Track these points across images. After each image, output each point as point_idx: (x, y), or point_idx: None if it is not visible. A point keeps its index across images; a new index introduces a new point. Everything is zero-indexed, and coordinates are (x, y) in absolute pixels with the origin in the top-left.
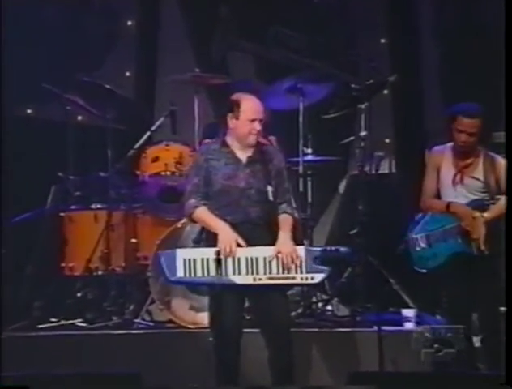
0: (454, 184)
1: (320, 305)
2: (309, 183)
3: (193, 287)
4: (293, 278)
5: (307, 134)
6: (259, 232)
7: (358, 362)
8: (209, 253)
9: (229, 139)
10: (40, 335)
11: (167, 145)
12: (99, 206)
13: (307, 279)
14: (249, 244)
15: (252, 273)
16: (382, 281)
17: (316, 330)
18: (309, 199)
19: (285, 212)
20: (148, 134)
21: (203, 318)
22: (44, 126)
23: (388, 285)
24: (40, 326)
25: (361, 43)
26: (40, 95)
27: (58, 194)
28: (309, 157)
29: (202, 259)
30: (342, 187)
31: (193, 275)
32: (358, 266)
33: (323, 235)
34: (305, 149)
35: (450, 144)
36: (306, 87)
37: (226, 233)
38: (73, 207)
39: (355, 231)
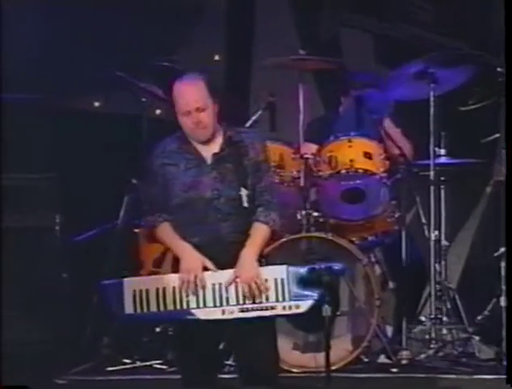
0: None
1: (457, 345)
2: (443, 192)
3: (146, 324)
4: (272, 308)
5: (440, 131)
6: (235, 251)
7: None
8: (166, 281)
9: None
10: (110, 379)
11: None
12: None
13: (290, 308)
14: (223, 267)
15: (221, 305)
16: None
17: (453, 376)
18: (443, 212)
19: (257, 220)
20: None
21: (310, 359)
22: (115, 121)
23: None
24: (111, 368)
25: None
26: (110, 84)
27: (133, 206)
28: (443, 160)
29: (158, 290)
30: (484, 197)
31: (145, 309)
32: (505, 296)
33: (461, 257)
34: (437, 149)
35: None
36: (439, 71)
37: (189, 259)
38: None
39: (502, 251)
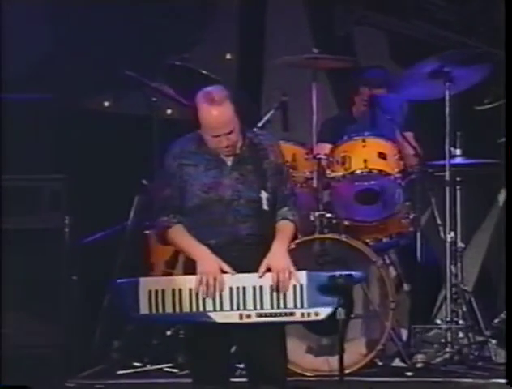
0: None
1: (473, 348)
2: (459, 193)
3: (160, 325)
4: (291, 314)
5: (455, 131)
6: (252, 253)
7: None
8: (182, 282)
9: None
10: (121, 383)
11: None
12: None
13: (309, 315)
14: (239, 270)
15: (238, 308)
16: None
17: (469, 380)
18: (459, 213)
19: (285, 219)
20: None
21: (324, 363)
22: (125, 121)
23: None
24: (121, 372)
25: None
26: (120, 84)
27: (143, 207)
28: (458, 160)
29: (174, 291)
30: (501, 198)
31: (161, 310)
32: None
33: (477, 259)
34: (452, 150)
35: None
36: (455, 70)
37: (206, 261)
38: None
39: None
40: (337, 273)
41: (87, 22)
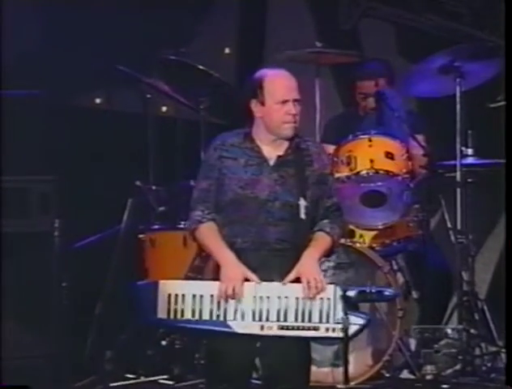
0: None
1: (486, 359)
2: (470, 194)
3: (180, 332)
4: (315, 328)
5: (467, 130)
6: (280, 260)
7: None
8: (204, 288)
9: (256, 131)
10: None
11: None
12: None
13: (334, 330)
14: (265, 277)
15: (260, 319)
16: None
17: None
18: (470, 216)
19: (322, 230)
20: None
21: (327, 374)
22: (118, 119)
23: None
24: (114, 384)
25: None
26: (113, 79)
27: (137, 210)
28: (470, 160)
29: (194, 296)
30: None
31: (179, 315)
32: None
33: (490, 264)
34: (463, 149)
35: None
36: (466, 65)
37: (230, 268)
38: (156, 226)
39: None
40: (367, 288)
41: (81, 15)
